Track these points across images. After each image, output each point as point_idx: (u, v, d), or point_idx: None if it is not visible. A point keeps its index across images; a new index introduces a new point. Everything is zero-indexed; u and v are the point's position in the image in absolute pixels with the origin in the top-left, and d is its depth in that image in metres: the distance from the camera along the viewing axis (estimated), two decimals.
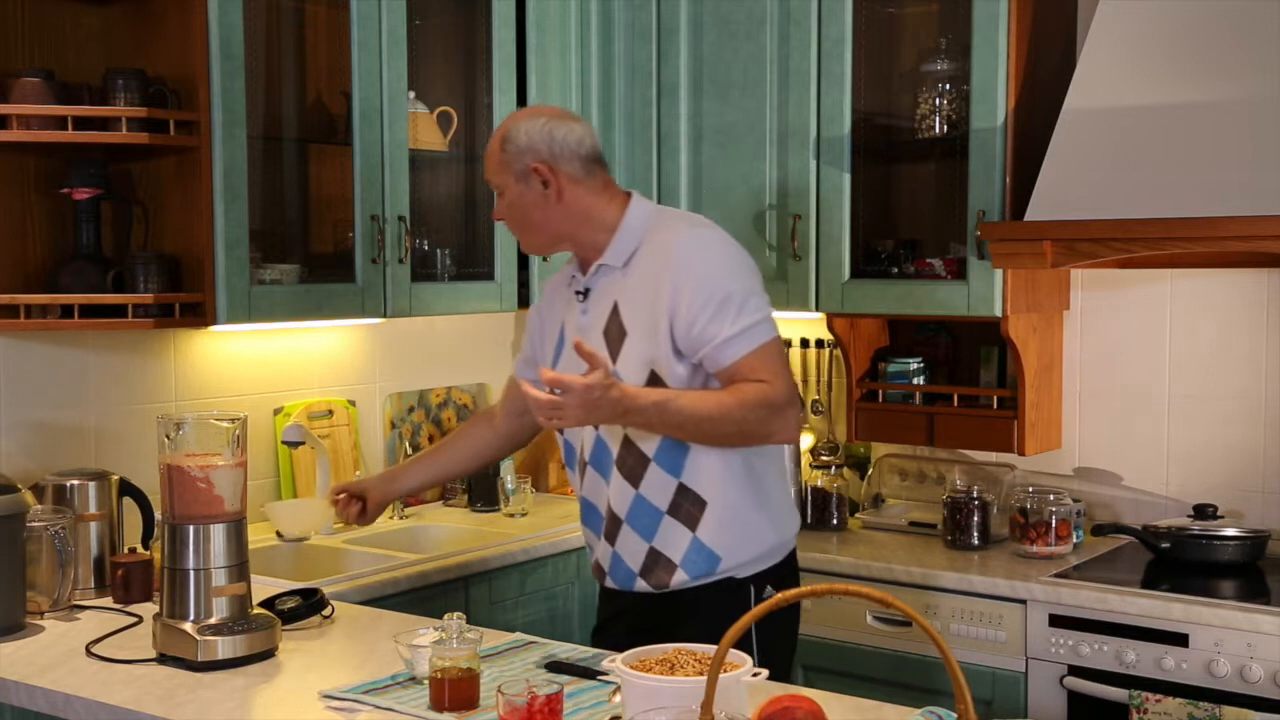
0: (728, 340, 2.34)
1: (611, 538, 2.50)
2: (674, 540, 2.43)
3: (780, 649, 2.50)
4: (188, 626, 2.25)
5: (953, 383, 3.61)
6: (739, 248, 2.49)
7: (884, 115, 3.57)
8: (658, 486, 2.43)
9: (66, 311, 2.84)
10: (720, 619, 2.30)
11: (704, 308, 2.35)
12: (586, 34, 3.75)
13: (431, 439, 3.83)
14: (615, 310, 2.45)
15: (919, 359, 3.61)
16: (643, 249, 2.46)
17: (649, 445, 2.42)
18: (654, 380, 2.39)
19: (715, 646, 1.62)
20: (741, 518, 2.44)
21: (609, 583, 2.56)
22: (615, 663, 1.86)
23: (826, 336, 3.75)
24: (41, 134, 2.79)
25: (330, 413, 3.56)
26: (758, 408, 2.33)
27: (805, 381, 3.84)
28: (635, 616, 2.51)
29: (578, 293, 2.54)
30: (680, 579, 2.43)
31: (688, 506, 2.42)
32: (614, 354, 2.42)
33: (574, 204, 2.46)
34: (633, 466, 2.44)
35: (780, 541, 2.50)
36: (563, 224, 2.48)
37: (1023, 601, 2.96)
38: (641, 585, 2.47)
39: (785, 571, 2.53)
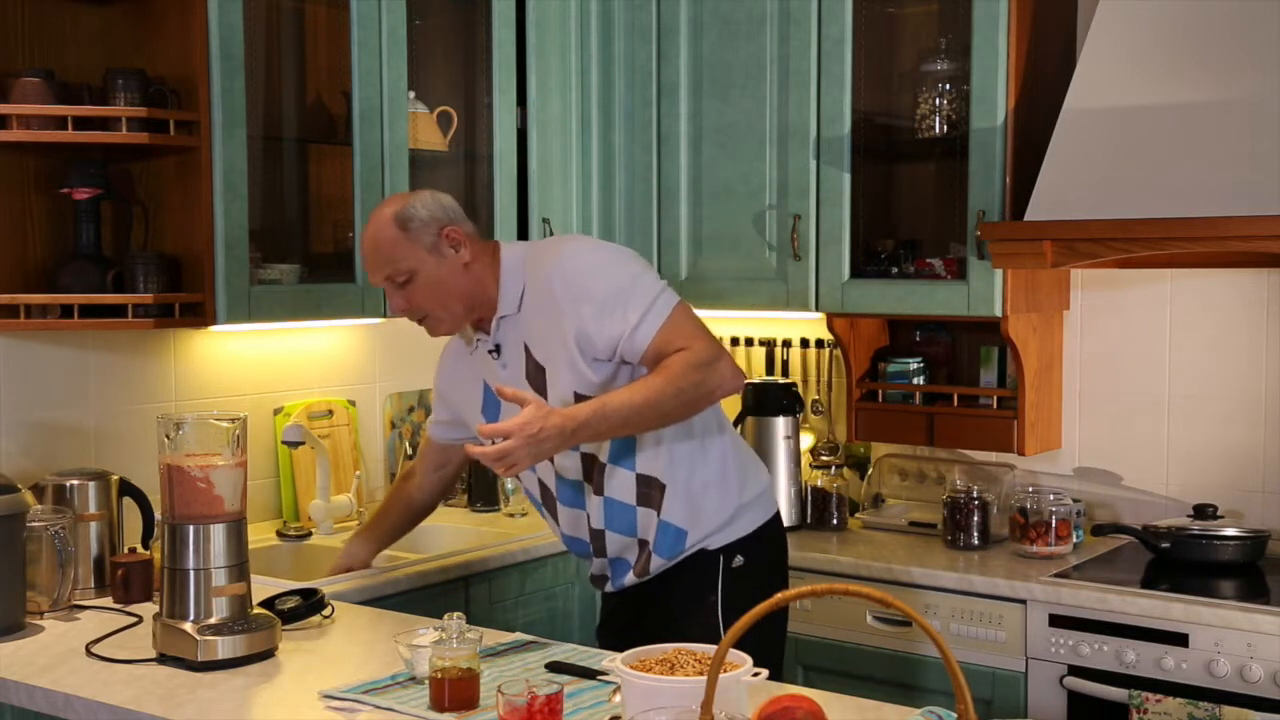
0: (635, 328, 2.39)
1: (602, 551, 2.60)
2: (647, 526, 2.54)
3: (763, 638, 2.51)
4: (188, 626, 2.25)
5: (953, 383, 3.61)
6: (611, 244, 2.59)
7: (884, 115, 3.57)
8: (621, 485, 2.52)
9: (66, 311, 2.84)
10: (691, 591, 2.52)
11: (601, 309, 2.39)
12: (586, 34, 3.75)
13: None
14: (527, 351, 2.50)
15: (919, 359, 3.61)
16: (528, 288, 2.49)
17: (601, 451, 2.51)
18: (580, 400, 2.43)
19: (715, 647, 1.62)
20: (698, 492, 2.52)
21: (610, 588, 2.66)
22: (615, 663, 1.87)
23: (826, 336, 3.75)
24: (41, 134, 2.79)
25: (330, 413, 3.56)
26: (688, 373, 2.36)
27: (805, 381, 3.84)
28: (631, 605, 2.63)
29: (490, 352, 2.56)
30: (657, 563, 2.54)
31: (650, 492, 2.51)
32: (541, 392, 2.47)
33: (480, 265, 2.50)
34: (595, 476, 2.53)
35: (741, 508, 2.57)
36: (474, 286, 2.50)
37: (1023, 601, 2.96)
38: (630, 578, 2.59)
39: (757, 543, 2.59)
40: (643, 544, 2.56)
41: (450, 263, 2.47)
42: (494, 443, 2.26)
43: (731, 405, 3.85)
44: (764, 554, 2.60)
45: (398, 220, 2.45)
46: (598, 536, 2.58)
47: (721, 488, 2.55)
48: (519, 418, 2.25)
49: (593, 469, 2.53)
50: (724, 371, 2.40)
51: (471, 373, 2.63)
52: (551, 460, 2.53)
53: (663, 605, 2.57)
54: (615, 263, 2.46)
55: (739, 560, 2.54)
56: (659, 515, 2.52)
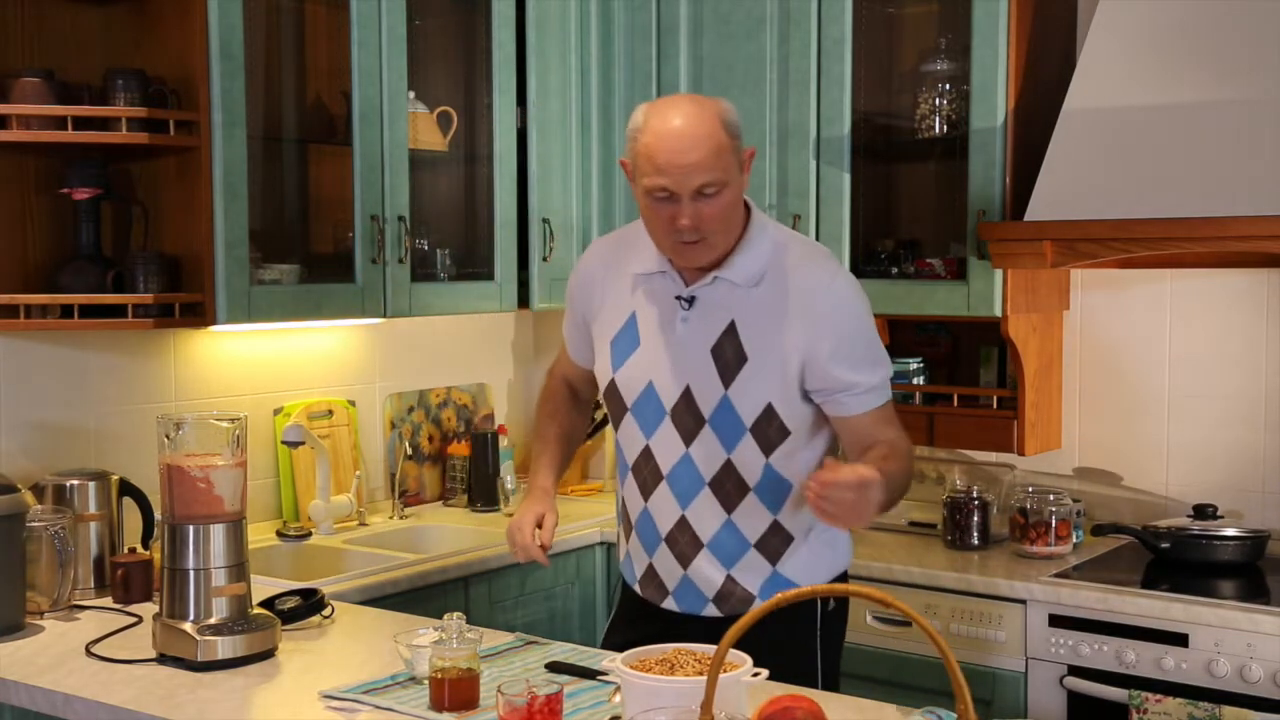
0: (869, 390, 2.26)
1: (685, 561, 2.36)
2: (754, 572, 2.35)
3: (833, 657, 2.48)
4: (188, 626, 2.25)
5: (953, 383, 3.61)
6: (865, 294, 2.36)
7: (884, 115, 3.57)
8: (752, 518, 2.32)
9: (66, 311, 2.84)
10: (788, 631, 2.30)
11: (849, 353, 2.24)
12: (586, 34, 3.75)
13: (431, 439, 3.83)
14: (733, 329, 2.27)
15: (919, 359, 3.61)
16: (772, 273, 2.28)
17: (752, 475, 2.31)
18: (769, 414, 2.26)
19: (715, 647, 1.62)
20: (821, 552, 2.38)
21: (670, 604, 2.41)
22: (615, 663, 1.87)
23: None
24: (41, 134, 2.79)
25: (330, 413, 3.56)
26: (911, 459, 2.31)
27: None
28: (698, 638, 2.17)
29: (679, 298, 2.32)
30: (749, 603, 2.33)
31: (775, 542, 2.34)
32: (727, 377, 2.27)
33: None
34: (730, 492, 2.31)
35: (841, 573, 2.47)
36: (741, 222, 2.29)
37: (1023, 601, 2.96)
38: (712, 610, 2.36)
39: (842, 582, 2.47)
40: (731, 581, 2.35)
41: (739, 185, 2.24)
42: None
43: None
44: (841, 599, 2.47)
45: (727, 125, 2.19)
46: (693, 544, 2.35)
47: (838, 551, 2.43)
48: (860, 471, 2.03)
49: (726, 481, 2.31)
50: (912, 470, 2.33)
51: (627, 293, 2.39)
52: (690, 441, 2.30)
53: (757, 642, 1.96)
54: (872, 323, 2.32)
55: (832, 604, 2.41)
56: (775, 567, 2.35)
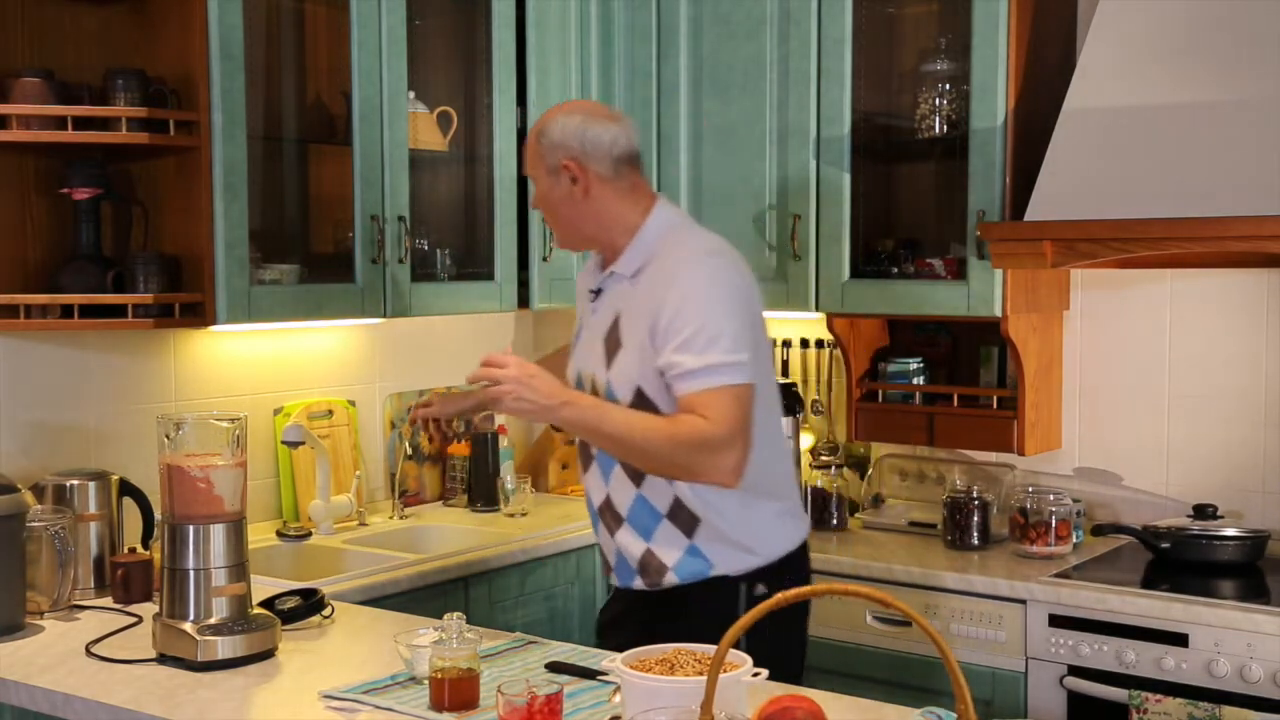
0: (689, 372, 2.32)
1: (612, 532, 2.53)
2: (670, 544, 2.46)
3: (785, 647, 2.50)
4: (188, 626, 2.25)
5: (953, 383, 3.61)
6: (742, 284, 2.44)
7: (884, 115, 3.57)
8: (658, 490, 2.45)
9: (66, 311, 2.84)
10: (711, 615, 2.36)
11: (678, 334, 2.34)
12: (586, 34, 3.75)
13: (431, 439, 3.83)
14: (616, 321, 2.47)
15: (919, 359, 3.61)
16: (652, 264, 2.46)
17: None
18: (640, 398, 2.40)
19: (715, 646, 1.62)
20: (733, 534, 2.45)
21: (614, 579, 2.58)
22: (615, 663, 1.87)
23: (826, 336, 3.75)
24: (41, 134, 2.79)
25: (330, 413, 3.56)
26: (687, 443, 2.31)
27: (805, 381, 3.84)
28: (639, 613, 2.53)
29: (591, 290, 2.58)
30: (671, 580, 2.47)
31: (684, 515, 2.45)
32: (609, 364, 2.45)
33: (600, 203, 2.48)
34: (633, 467, 2.45)
35: (774, 552, 2.49)
36: (588, 223, 2.51)
37: (1023, 601, 2.96)
38: (639, 583, 2.51)
39: (782, 570, 2.50)
40: (650, 554, 2.48)
41: (562, 190, 2.49)
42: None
43: None
44: (787, 579, 2.46)
45: (541, 135, 2.51)
46: (614, 518, 2.51)
47: (755, 538, 2.47)
48: (524, 361, 2.37)
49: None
50: (722, 463, 2.31)
51: (583, 284, 2.68)
52: None
53: (683, 627, 2.32)
54: (724, 305, 2.37)
55: (761, 589, 2.44)
56: (690, 540, 2.45)
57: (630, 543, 2.49)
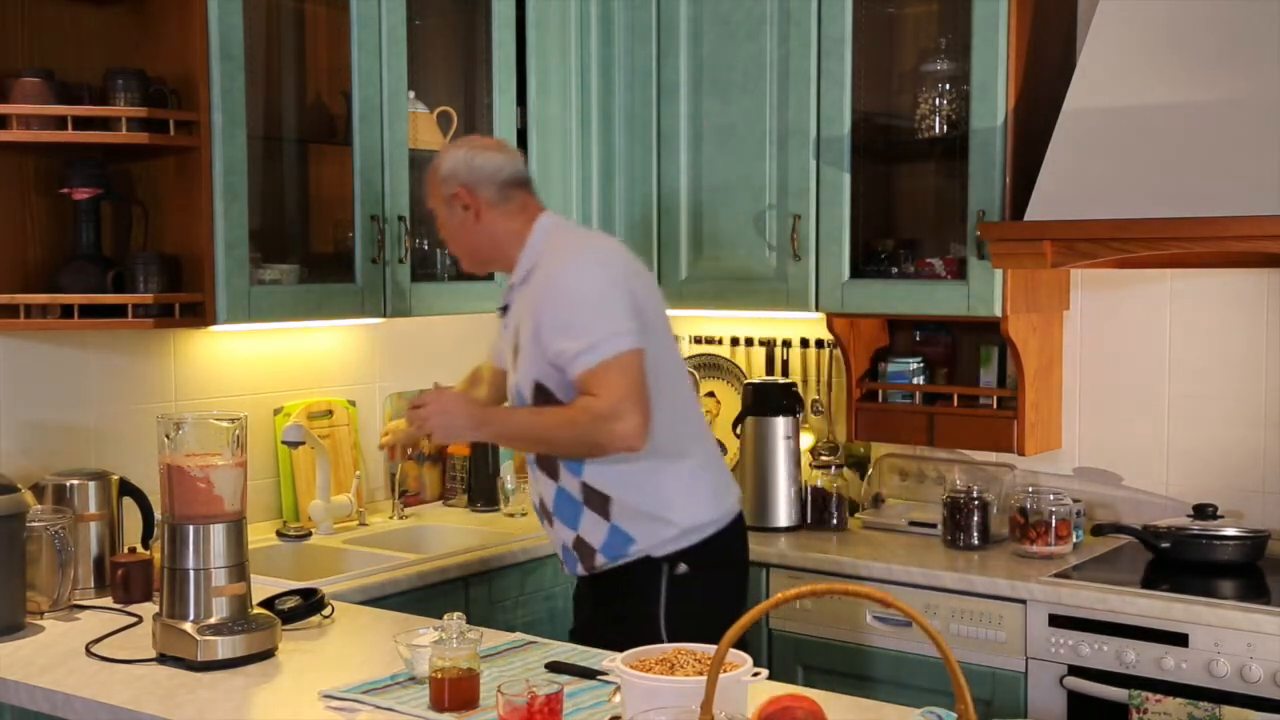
0: (575, 355, 2.50)
1: (550, 525, 2.73)
2: (596, 528, 2.63)
3: (685, 625, 2.58)
4: (188, 626, 2.25)
5: (952, 383, 3.61)
6: (615, 270, 2.59)
7: (884, 115, 3.57)
8: (569, 481, 2.64)
9: (66, 311, 2.84)
10: (637, 597, 2.62)
11: (559, 323, 2.53)
12: (586, 34, 3.75)
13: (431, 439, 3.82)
14: (517, 328, 2.65)
15: (919, 359, 3.61)
16: (537, 267, 2.64)
17: None
18: (540, 392, 2.59)
19: (715, 646, 1.62)
20: (643, 510, 2.60)
21: (566, 571, 2.77)
22: (615, 663, 1.87)
23: (826, 336, 3.75)
24: (41, 134, 2.79)
25: (330, 413, 3.56)
26: (582, 421, 2.50)
27: (805, 381, 3.84)
28: (587, 599, 2.76)
29: (500, 308, 2.78)
30: (601, 561, 2.64)
31: (597, 499, 2.62)
32: (514, 366, 2.66)
33: (491, 225, 2.68)
34: (545, 461, 2.66)
35: (688, 528, 2.62)
36: (484, 244, 2.71)
37: (1023, 601, 2.96)
38: (581, 570, 2.70)
39: (704, 549, 2.63)
40: (580, 541, 2.65)
41: (457, 218, 2.70)
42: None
43: (731, 407, 3.86)
44: (710, 559, 2.64)
45: (434, 166, 2.74)
46: (545, 514, 2.71)
47: (674, 508, 2.61)
48: (443, 393, 2.67)
49: (550, 455, 2.66)
50: (620, 430, 2.47)
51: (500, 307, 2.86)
52: None
53: (612, 607, 2.67)
54: (594, 289, 2.54)
55: (682, 568, 2.61)
56: (610, 521, 2.61)
57: (564, 533, 2.68)
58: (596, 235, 2.74)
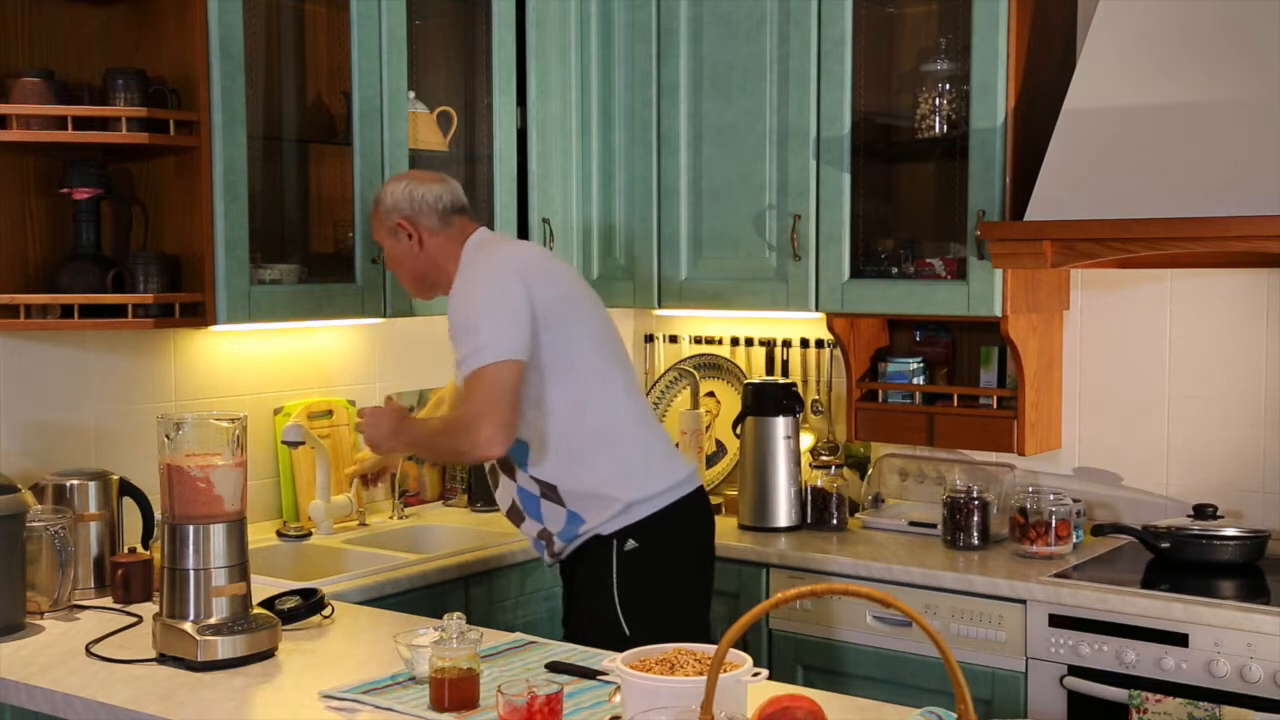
0: (458, 364, 2.69)
1: (521, 524, 2.86)
2: (556, 517, 2.78)
3: (635, 596, 2.73)
4: (188, 626, 2.25)
5: (952, 383, 3.61)
6: (510, 276, 2.70)
7: (884, 115, 3.57)
8: (523, 477, 2.79)
9: (66, 311, 2.84)
10: (592, 573, 2.76)
11: (450, 333, 2.71)
12: (586, 34, 3.75)
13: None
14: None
15: (919, 359, 3.61)
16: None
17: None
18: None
19: (715, 647, 1.62)
20: (586, 491, 2.75)
21: (545, 561, 2.93)
22: (615, 663, 1.87)
23: (826, 336, 3.75)
24: (41, 134, 2.79)
25: (330, 413, 3.56)
26: (445, 430, 2.78)
27: (805, 381, 3.84)
28: (564, 582, 2.90)
29: None
30: (560, 546, 2.80)
31: (549, 490, 2.76)
32: (458, 377, 2.77)
33: (434, 252, 2.85)
34: (504, 463, 2.80)
35: (630, 503, 2.74)
36: (430, 270, 2.87)
37: (1023, 601, 2.96)
38: (548, 559, 2.87)
39: (651, 526, 2.76)
40: (549, 530, 2.79)
41: (402, 247, 2.87)
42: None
43: (731, 407, 3.86)
44: (659, 536, 2.76)
45: (376, 200, 2.92)
46: (517, 514, 2.84)
47: (614, 485, 2.74)
48: (378, 407, 2.91)
49: (507, 459, 2.79)
50: (473, 439, 2.62)
51: None
52: None
53: (574, 588, 2.84)
54: (479, 299, 2.68)
55: (631, 544, 2.73)
56: (565, 507, 2.76)
57: (532, 526, 2.82)
58: (507, 245, 2.88)
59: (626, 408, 2.84)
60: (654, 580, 2.75)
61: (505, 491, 2.85)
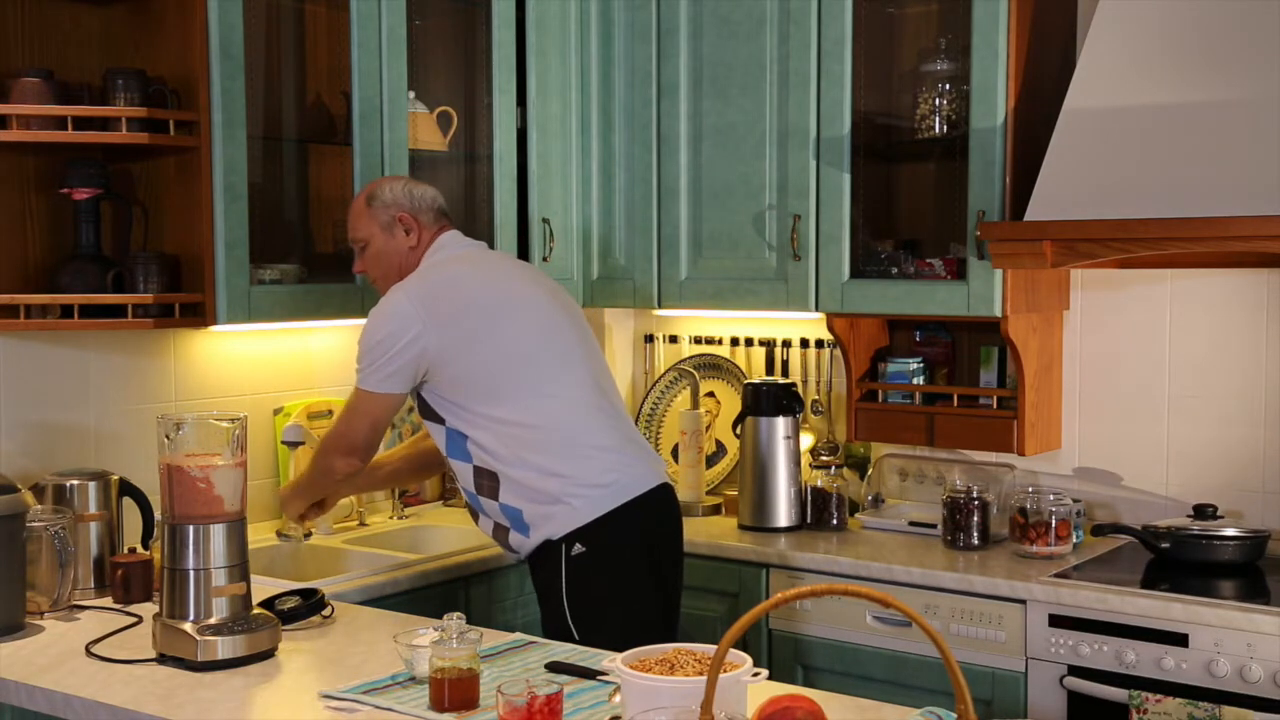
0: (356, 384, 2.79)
1: (478, 521, 2.87)
2: (496, 513, 2.78)
3: (583, 602, 2.73)
4: (188, 626, 2.25)
5: (952, 383, 3.61)
6: (404, 316, 2.72)
7: (884, 115, 3.57)
8: (463, 479, 2.80)
9: (66, 311, 2.84)
10: (541, 577, 2.79)
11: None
12: (586, 34, 3.75)
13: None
14: None
15: (919, 359, 3.61)
16: None
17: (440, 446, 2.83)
18: (420, 405, 2.83)
19: (715, 647, 1.62)
20: (530, 488, 2.74)
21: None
22: (615, 663, 1.87)
23: (826, 336, 3.75)
24: (41, 134, 2.79)
25: (330, 413, 3.55)
26: (322, 454, 2.87)
27: (805, 381, 3.84)
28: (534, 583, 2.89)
29: None
30: (517, 540, 2.79)
31: (487, 485, 2.77)
32: None
33: (422, 249, 2.89)
34: (451, 466, 2.82)
35: (578, 507, 2.73)
36: (412, 266, 2.87)
37: (1022, 601, 2.96)
38: (511, 556, 2.88)
39: (599, 529, 2.73)
40: (501, 527, 2.79)
41: (398, 242, 2.88)
42: None
43: (731, 407, 3.86)
44: (606, 539, 2.73)
45: (368, 196, 2.91)
46: (472, 513, 2.87)
47: (563, 489, 2.73)
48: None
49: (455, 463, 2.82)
50: (331, 459, 2.83)
51: None
52: None
53: (537, 589, 2.84)
54: (381, 321, 2.74)
55: (579, 548, 2.72)
56: (498, 501, 2.76)
57: (485, 524, 2.84)
58: (441, 269, 2.85)
59: (589, 414, 2.81)
60: (600, 584, 2.72)
61: (460, 485, 2.87)
